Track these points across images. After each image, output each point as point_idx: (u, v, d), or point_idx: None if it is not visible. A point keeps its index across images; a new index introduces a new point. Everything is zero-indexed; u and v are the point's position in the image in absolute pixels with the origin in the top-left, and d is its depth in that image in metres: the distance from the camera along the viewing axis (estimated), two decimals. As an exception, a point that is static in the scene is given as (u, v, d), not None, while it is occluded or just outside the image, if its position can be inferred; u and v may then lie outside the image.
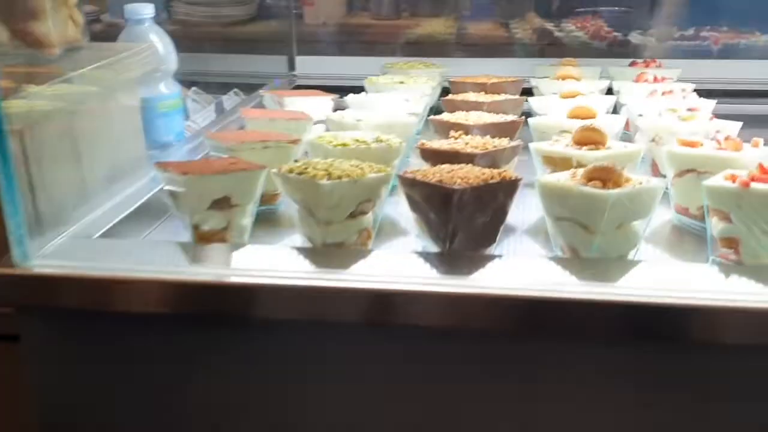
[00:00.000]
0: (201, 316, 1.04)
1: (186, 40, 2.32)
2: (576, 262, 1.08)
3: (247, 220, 1.22)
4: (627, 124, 1.72)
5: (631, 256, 1.15)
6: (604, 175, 1.09)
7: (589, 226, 1.09)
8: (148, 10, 1.57)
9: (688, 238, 1.28)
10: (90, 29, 2.44)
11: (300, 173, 1.14)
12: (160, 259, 1.08)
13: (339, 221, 1.15)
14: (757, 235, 1.08)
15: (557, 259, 1.09)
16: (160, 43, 1.59)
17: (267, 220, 1.33)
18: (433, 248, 1.16)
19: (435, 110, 1.95)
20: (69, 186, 1.26)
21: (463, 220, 1.11)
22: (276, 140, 1.34)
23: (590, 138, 1.27)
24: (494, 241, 1.18)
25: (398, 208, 1.27)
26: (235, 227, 1.21)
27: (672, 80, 1.93)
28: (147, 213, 1.32)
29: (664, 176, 1.35)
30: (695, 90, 1.91)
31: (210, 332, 1.05)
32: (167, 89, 1.64)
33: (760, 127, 2.05)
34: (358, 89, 1.96)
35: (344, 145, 1.30)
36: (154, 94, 1.60)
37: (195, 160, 1.24)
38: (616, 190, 1.06)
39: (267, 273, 1.02)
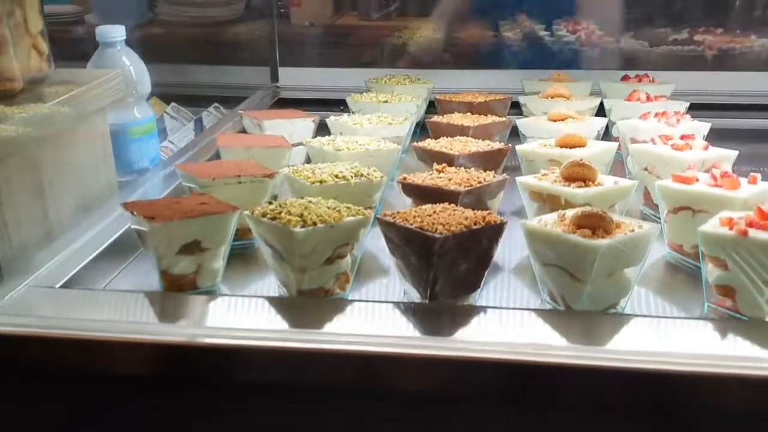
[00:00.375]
0: (164, 379, 0.98)
1: (166, 50, 2.27)
2: (563, 317, 1.03)
3: (219, 264, 1.16)
4: (620, 144, 1.68)
5: (623, 303, 1.09)
6: (594, 223, 1.03)
7: (578, 275, 1.03)
8: (120, 33, 1.50)
9: (683, 277, 1.23)
10: (72, 30, 2.39)
11: (273, 217, 1.08)
12: (123, 315, 1.02)
13: (315, 267, 1.09)
14: (754, 286, 1.03)
15: (543, 314, 1.03)
16: (132, 66, 1.52)
17: (242, 257, 1.27)
18: (414, 293, 1.11)
19: (422, 125, 1.89)
20: (31, 226, 1.20)
21: (444, 267, 1.06)
22: (251, 174, 1.28)
23: (579, 174, 1.22)
24: (478, 286, 1.12)
25: (381, 241, 1.21)
26: (205, 271, 1.15)
27: (665, 97, 1.88)
28: (117, 251, 1.25)
29: (657, 205, 1.29)
30: (690, 104, 1.86)
31: (175, 394, 0.99)
32: (140, 114, 1.57)
33: (756, 142, 2.02)
34: (343, 101, 1.90)
35: (322, 182, 1.23)
36: (127, 119, 1.54)
37: (164, 200, 1.18)
38: (606, 241, 1.00)
39: (235, 333, 0.96)
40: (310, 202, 1.13)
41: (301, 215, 1.06)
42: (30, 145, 1.21)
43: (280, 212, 1.08)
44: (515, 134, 1.70)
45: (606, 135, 1.74)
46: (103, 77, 1.34)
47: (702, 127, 1.60)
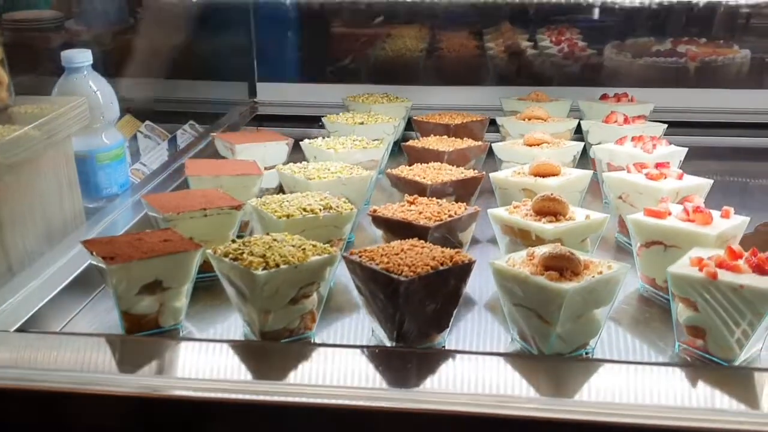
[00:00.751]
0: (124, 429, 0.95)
1: (142, 64, 2.23)
2: (531, 363, 1.00)
3: (182, 302, 1.14)
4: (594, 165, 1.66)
5: (592, 343, 1.07)
6: (561, 264, 1.01)
7: (546, 318, 1.01)
8: (86, 57, 1.47)
9: (655, 311, 1.21)
10: (51, 37, 2.34)
11: (235, 258, 1.06)
12: (80, 362, 0.99)
13: (279, 308, 1.06)
14: (725, 327, 1.01)
15: (511, 359, 1.01)
16: (99, 92, 1.48)
17: (207, 290, 1.24)
18: (382, 332, 1.09)
19: (403, 141, 1.87)
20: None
21: (411, 309, 1.03)
22: (217, 207, 1.26)
23: (550, 208, 1.20)
24: (446, 326, 1.10)
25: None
26: (168, 310, 1.13)
27: (645, 117, 1.86)
28: (79, 286, 1.22)
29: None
30: (670, 122, 1.85)
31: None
32: (108, 140, 1.54)
33: (736, 159, 2.02)
34: (321, 117, 1.88)
35: (290, 216, 1.21)
36: (94, 146, 1.51)
37: (125, 236, 1.15)
38: (573, 285, 0.98)
39: (196, 385, 0.93)
40: (275, 240, 1.10)
41: (264, 256, 1.04)
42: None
43: (242, 252, 1.06)
44: (493, 156, 1.68)
45: (584, 156, 1.73)
46: (66, 106, 1.31)
47: (678, 152, 1.58)
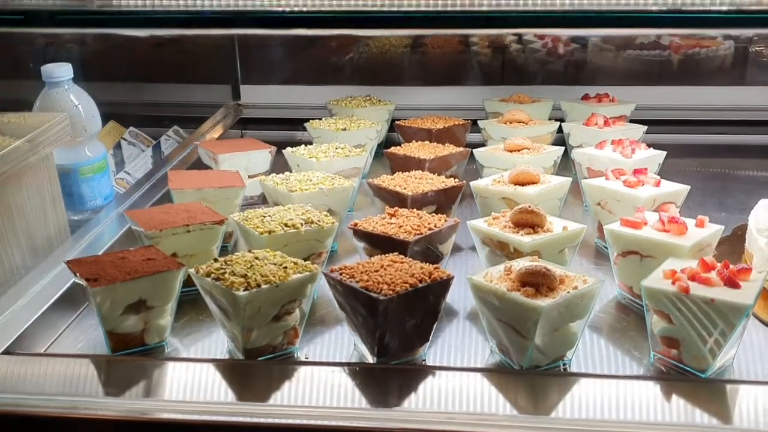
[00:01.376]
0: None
1: (126, 69, 2.23)
2: (508, 379, 1.02)
3: (166, 320, 1.15)
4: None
5: (569, 355, 1.10)
6: (537, 280, 1.03)
7: (523, 332, 1.03)
8: (66, 72, 1.47)
9: (632, 319, 1.23)
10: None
11: (217, 278, 1.07)
12: (64, 385, 1.00)
13: (261, 326, 1.08)
14: (698, 339, 1.03)
15: (489, 375, 1.03)
16: (80, 106, 1.49)
17: (193, 304, 1.25)
18: (363, 347, 1.11)
19: (385, 144, 1.89)
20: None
21: (391, 325, 1.05)
22: (200, 222, 1.27)
23: (528, 220, 1.21)
24: (427, 340, 1.12)
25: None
26: (153, 328, 1.14)
27: (624, 120, 1.88)
28: (64, 304, 1.24)
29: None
30: (646, 121, 1.87)
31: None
32: (91, 153, 1.54)
33: (716, 156, 2.04)
34: (306, 120, 1.89)
35: (272, 232, 1.22)
36: (77, 159, 1.51)
37: (109, 255, 1.16)
38: (548, 302, 1.00)
39: (179, 407, 0.95)
40: (256, 258, 1.12)
41: (245, 276, 1.06)
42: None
43: (224, 272, 1.07)
44: (475, 160, 1.69)
45: (567, 158, 1.75)
46: (47, 123, 1.32)
47: (657, 155, 1.60)
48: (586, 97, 2.00)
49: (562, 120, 1.93)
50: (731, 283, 1.03)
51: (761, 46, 2.25)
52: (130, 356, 1.12)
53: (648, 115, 2.06)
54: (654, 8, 1.17)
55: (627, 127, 1.78)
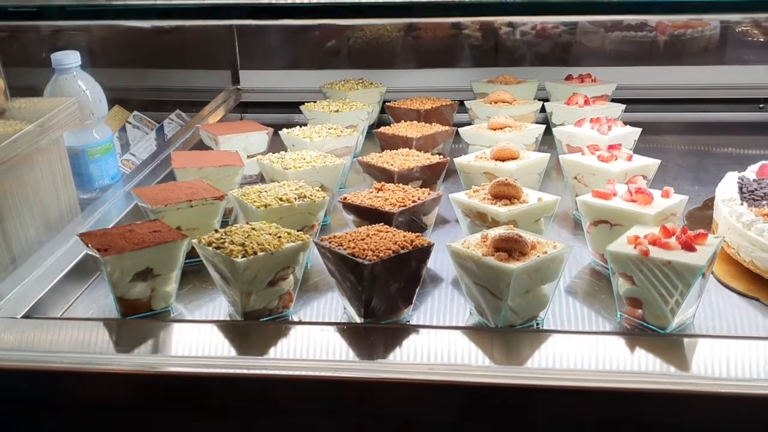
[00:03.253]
0: (120, 406, 1.08)
1: (129, 55, 2.32)
2: (483, 335, 1.12)
3: (172, 287, 1.25)
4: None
5: (542, 315, 1.19)
6: (510, 246, 1.12)
7: (497, 294, 1.13)
8: (74, 59, 1.56)
9: (604, 284, 1.32)
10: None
11: (218, 246, 1.17)
12: (81, 344, 1.11)
13: (258, 290, 1.18)
14: (659, 298, 1.13)
15: (466, 332, 1.13)
16: (88, 91, 1.58)
17: (196, 274, 1.35)
18: (351, 310, 1.20)
19: (377, 124, 1.98)
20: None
21: (376, 288, 1.15)
22: (202, 198, 1.37)
23: (505, 192, 1.31)
24: (410, 303, 1.21)
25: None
26: (159, 294, 1.24)
27: (605, 99, 1.96)
28: (77, 274, 1.34)
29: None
30: (627, 100, 1.96)
31: (136, 420, 1.09)
32: (98, 135, 1.64)
33: (693, 134, 2.12)
34: (302, 103, 1.98)
35: (267, 205, 1.32)
36: (86, 141, 1.61)
37: (118, 228, 1.26)
38: (519, 265, 1.09)
39: (185, 362, 1.06)
40: (253, 229, 1.22)
41: (243, 244, 1.15)
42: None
43: (224, 241, 1.17)
44: (461, 139, 1.78)
45: (550, 136, 1.83)
46: (58, 107, 1.41)
47: (632, 132, 1.69)
48: (569, 78, 2.08)
49: (546, 100, 2.02)
50: (688, 246, 1.12)
51: (742, 26, 2.33)
52: (139, 319, 1.22)
53: (631, 94, 2.15)
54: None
55: (606, 105, 1.87)
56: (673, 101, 2.24)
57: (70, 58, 1.55)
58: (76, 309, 1.29)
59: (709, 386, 1.00)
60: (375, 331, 1.14)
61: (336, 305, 1.27)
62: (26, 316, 1.20)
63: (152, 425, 1.10)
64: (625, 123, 1.74)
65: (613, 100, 1.98)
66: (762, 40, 2.27)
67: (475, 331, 1.15)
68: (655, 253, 1.11)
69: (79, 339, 1.13)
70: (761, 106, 2.18)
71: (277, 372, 1.03)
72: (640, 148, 1.74)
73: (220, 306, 1.27)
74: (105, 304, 1.28)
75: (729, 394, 0.99)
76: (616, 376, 1.02)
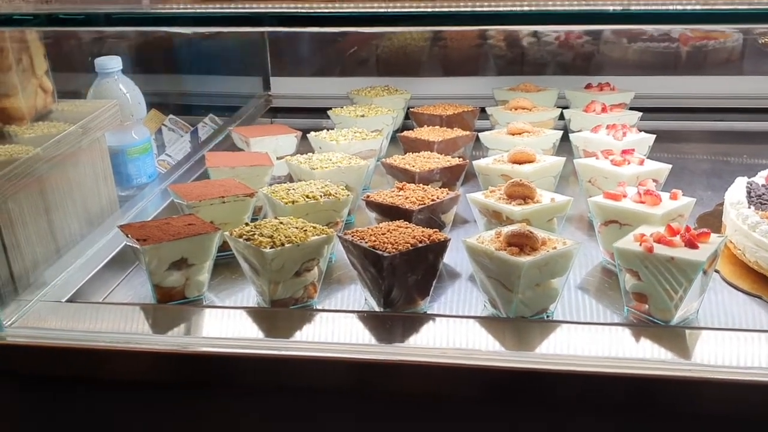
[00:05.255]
0: (159, 383, 1.17)
1: (166, 62, 2.43)
2: (495, 324, 1.19)
3: (204, 276, 1.34)
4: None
5: (552, 308, 1.26)
6: (521, 241, 1.19)
7: (509, 286, 1.20)
8: (116, 63, 1.67)
9: (614, 281, 1.37)
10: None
11: (248, 238, 1.25)
12: (122, 326, 1.20)
13: (285, 280, 1.26)
14: (663, 293, 1.19)
15: (479, 321, 1.20)
16: (128, 94, 1.68)
17: (228, 266, 1.43)
18: (372, 300, 1.28)
19: (402, 129, 2.05)
20: (41, 244, 1.38)
21: (395, 280, 1.22)
22: (233, 194, 1.45)
23: (519, 192, 1.38)
24: (427, 295, 1.29)
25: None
26: (193, 283, 1.33)
27: (623, 107, 2.02)
28: (116, 264, 1.43)
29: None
30: (648, 109, 2.02)
31: (167, 396, 1.17)
32: (137, 135, 1.74)
33: (710, 142, 2.17)
34: (329, 109, 2.07)
35: (295, 202, 1.40)
36: (125, 141, 1.71)
37: (155, 221, 1.35)
38: (529, 258, 1.16)
39: (216, 342, 1.15)
40: (281, 223, 1.30)
41: (272, 236, 1.24)
42: (37, 171, 1.38)
43: (254, 234, 1.26)
44: (481, 143, 1.86)
45: (567, 143, 1.90)
46: (101, 108, 1.51)
47: (647, 138, 1.75)
48: (588, 86, 2.15)
49: (567, 107, 2.08)
50: (690, 244, 1.18)
51: (761, 37, 2.37)
52: (173, 305, 1.31)
53: (651, 103, 2.21)
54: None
55: (623, 113, 1.92)
56: (692, 110, 2.28)
57: (112, 63, 1.66)
58: (116, 296, 1.38)
59: (708, 373, 1.05)
60: (393, 318, 1.21)
61: (358, 297, 1.35)
62: (70, 301, 1.29)
63: (183, 401, 1.19)
64: (643, 130, 1.80)
65: (632, 109, 2.04)
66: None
67: (488, 320, 1.22)
68: (659, 249, 1.17)
69: (119, 321, 1.22)
70: (778, 115, 2.23)
71: (299, 353, 1.11)
72: (657, 155, 1.80)
73: (249, 295, 1.35)
74: (142, 291, 1.37)
75: (727, 380, 1.05)
76: (619, 361, 1.08)
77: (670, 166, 1.57)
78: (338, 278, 1.42)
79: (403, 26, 1.51)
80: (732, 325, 1.24)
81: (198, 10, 1.03)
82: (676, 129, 2.22)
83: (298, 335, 1.17)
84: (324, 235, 1.27)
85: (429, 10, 0.94)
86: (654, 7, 0.92)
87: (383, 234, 1.26)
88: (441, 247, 1.25)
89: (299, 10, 0.93)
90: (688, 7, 0.90)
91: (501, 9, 1.04)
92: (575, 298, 1.33)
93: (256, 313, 1.24)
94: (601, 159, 1.57)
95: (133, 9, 1.08)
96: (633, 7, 0.93)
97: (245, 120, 2.27)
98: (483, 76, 2.49)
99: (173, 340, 1.15)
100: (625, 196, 1.38)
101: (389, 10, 0.97)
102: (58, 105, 1.50)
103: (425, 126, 1.91)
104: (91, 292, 1.35)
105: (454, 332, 1.17)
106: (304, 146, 1.86)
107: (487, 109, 2.04)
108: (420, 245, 1.22)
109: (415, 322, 1.21)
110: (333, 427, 1.18)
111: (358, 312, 1.25)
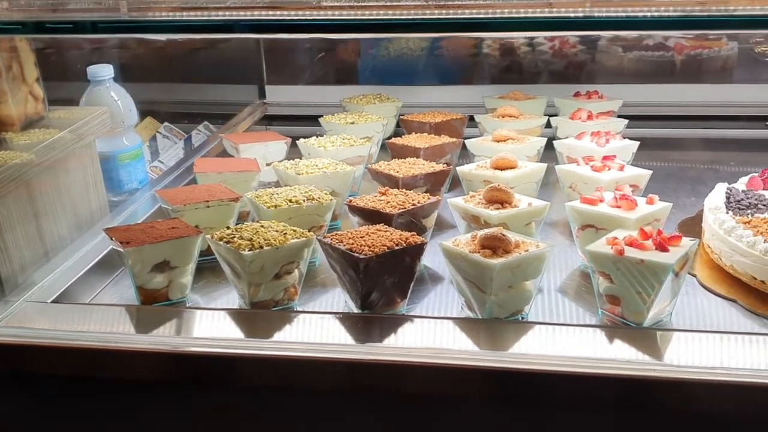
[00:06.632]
0: (143, 381, 1.19)
1: (163, 71, 2.47)
2: (468, 324, 1.22)
3: (187, 278, 1.36)
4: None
5: (526, 310, 1.28)
6: (494, 244, 1.22)
7: (483, 288, 1.22)
8: (108, 71, 1.70)
9: (591, 284, 1.40)
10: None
11: (228, 241, 1.28)
12: (106, 326, 1.23)
13: (265, 282, 1.29)
14: (635, 295, 1.21)
15: (452, 321, 1.23)
16: (119, 101, 1.72)
17: (211, 270, 1.46)
18: (352, 302, 1.30)
19: (393, 137, 2.08)
20: (29, 247, 1.41)
21: (372, 282, 1.25)
22: (218, 199, 1.48)
23: (497, 197, 1.40)
24: (405, 297, 1.31)
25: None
26: (176, 286, 1.35)
27: (611, 114, 2.04)
28: (103, 267, 1.46)
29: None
30: (638, 117, 2.04)
31: (150, 395, 1.20)
32: (128, 142, 1.78)
33: (698, 149, 2.19)
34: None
35: (277, 206, 1.43)
36: (116, 147, 1.75)
37: (140, 225, 1.38)
38: (501, 260, 1.19)
39: (198, 342, 1.18)
40: (262, 226, 1.33)
41: (251, 239, 1.26)
42: (26, 176, 1.41)
43: (234, 237, 1.28)
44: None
45: (554, 150, 1.92)
46: (91, 115, 1.54)
47: (630, 145, 1.77)
48: (577, 95, 2.17)
49: (556, 115, 2.10)
50: (661, 247, 1.20)
51: (751, 46, 2.39)
52: (157, 307, 1.33)
53: (640, 111, 2.24)
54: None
55: (608, 120, 1.94)
56: (681, 118, 2.31)
57: (104, 71, 1.69)
58: (102, 298, 1.41)
59: (677, 373, 1.07)
60: (370, 320, 1.24)
61: (338, 299, 1.37)
62: (55, 302, 1.32)
63: (165, 400, 1.21)
64: (631, 138, 1.82)
65: (622, 116, 2.06)
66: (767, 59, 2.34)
67: (462, 321, 1.24)
68: (630, 252, 1.19)
69: (103, 321, 1.24)
70: (767, 123, 2.24)
71: (279, 353, 1.14)
72: (644, 162, 1.82)
73: (232, 298, 1.37)
74: (128, 294, 1.39)
75: (696, 380, 1.06)
76: (590, 362, 1.10)
77: (650, 172, 1.59)
78: (322, 281, 1.45)
79: (357, 33, 1.52)
80: (706, 328, 1.25)
81: (178, 18, 1.06)
82: (666, 136, 2.24)
83: (277, 336, 1.19)
84: (303, 239, 1.30)
85: (381, 18, 0.97)
86: (614, 14, 0.95)
87: (362, 237, 1.28)
88: (417, 249, 1.27)
89: (266, 18, 0.96)
90: (648, 14, 0.93)
91: (462, 17, 1.06)
92: (553, 300, 1.35)
93: (237, 315, 1.27)
94: (582, 165, 1.59)
95: (117, 17, 1.12)
96: (596, 14, 0.96)
97: (240, 127, 2.31)
98: (476, 84, 2.52)
99: (155, 340, 1.18)
100: (601, 201, 1.40)
101: (351, 17, 1.00)
102: (49, 112, 1.53)
103: (414, 133, 1.94)
104: (77, 294, 1.38)
105: (429, 333, 1.19)
106: (294, 153, 1.89)
107: (475, 116, 2.07)
108: (396, 248, 1.24)
109: (392, 323, 1.23)
110: (310, 426, 1.20)
111: (335, 313, 1.27)
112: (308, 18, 1.00)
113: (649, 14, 0.92)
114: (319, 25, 1.01)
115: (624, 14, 0.93)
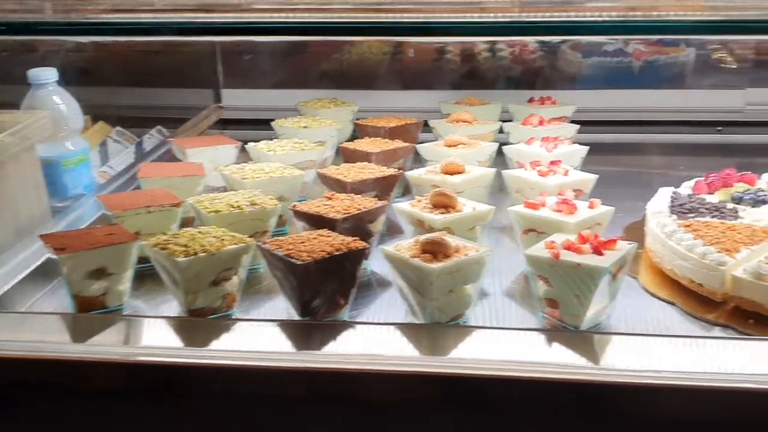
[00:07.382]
0: (75, 390, 1.17)
1: (116, 74, 2.44)
2: (411, 330, 1.21)
3: (125, 286, 1.34)
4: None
5: (467, 314, 1.27)
6: (434, 248, 1.21)
7: (423, 293, 1.21)
8: (51, 75, 1.67)
9: (534, 289, 1.40)
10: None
11: (163, 247, 1.26)
12: (40, 335, 1.20)
13: (201, 290, 1.27)
14: (572, 298, 1.21)
15: (397, 327, 1.22)
16: (62, 105, 1.69)
17: (154, 277, 1.42)
18: (293, 310, 1.29)
19: (350, 140, 2.07)
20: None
21: (311, 288, 1.23)
22: (159, 204, 1.46)
23: (442, 202, 1.40)
24: (347, 303, 1.29)
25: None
26: (113, 293, 1.33)
27: (564, 120, 2.04)
28: (42, 275, 1.43)
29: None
30: (592, 122, 2.05)
31: (85, 404, 1.18)
32: (73, 146, 1.75)
33: (651, 154, 2.21)
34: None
35: (218, 211, 1.41)
36: (60, 152, 1.72)
37: (77, 231, 1.35)
38: (440, 265, 1.18)
39: (133, 351, 1.17)
40: (200, 232, 1.31)
41: (186, 245, 1.24)
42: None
43: (169, 243, 1.26)
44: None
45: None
46: (29, 119, 1.52)
47: (579, 150, 1.77)
48: (531, 100, 2.17)
49: (511, 121, 2.11)
50: (597, 251, 1.20)
51: (703, 53, 2.42)
52: (92, 314, 1.31)
53: (595, 116, 2.25)
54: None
55: (560, 125, 1.95)
56: (635, 123, 2.32)
57: (46, 74, 1.66)
58: (38, 306, 1.37)
59: (611, 376, 1.07)
60: (309, 326, 1.22)
61: (282, 307, 1.35)
62: (-12, 310, 1.29)
63: (99, 408, 1.19)
64: (585, 143, 1.83)
65: (575, 122, 2.07)
66: (721, 66, 2.36)
67: (404, 326, 1.23)
68: (566, 256, 1.19)
69: (38, 330, 1.22)
70: (719, 128, 2.26)
71: (216, 361, 1.12)
72: (594, 167, 1.82)
73: (171, 307, 1.35)
74: (65, 303, 1.36)
75: (630, 384, 1.06)
76: (526, 365, 1.10)
77: (596, 176, 1.60)
78: (266, 288, 1.43)
79: (284, 36, 1.52)
80: (645, 331, 1.26)
81: (103, 20, 1.04)
82: (620, 141, 2.25)
83: (213, 344, 1.18)
84: (241, 245, 1.28)
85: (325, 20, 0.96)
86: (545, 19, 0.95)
87: (302, 242, 1.27)
88: (358, 255, 1.26)
89: (192, 20, 0.95)
90: (576, 19, 0.93)
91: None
92: (498, 304, 1.35)
93: (172, 322, 1.25)
94: (529, 170, 1.59)
95: (41, 18, 1.10)
96: (524, 18, 0.96)
97: (193, 131, 2.28)
98: (435, 89, 2.52)
99: (89, 349, 1.15)
100: (543, 205, 1.40)
101: (291, 20, 0.98)
102: (-12, 115, 1.50)
103: (368, 137, 1.93)
104: (12, 302, 1.35)
105: (369, 339, 1.18)
106: (245, 157, 1.87)
107: (429, 122, 2.06)
108: (336, 253, 1.23)
109: (332, 329, 1.21)
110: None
111: (274, 320, 1.25)
112: (235, 21, 0.99)
113: (576, 19, 0.92)
114: (243, 28, 0.99)
115: (552, 19, 0.92)
